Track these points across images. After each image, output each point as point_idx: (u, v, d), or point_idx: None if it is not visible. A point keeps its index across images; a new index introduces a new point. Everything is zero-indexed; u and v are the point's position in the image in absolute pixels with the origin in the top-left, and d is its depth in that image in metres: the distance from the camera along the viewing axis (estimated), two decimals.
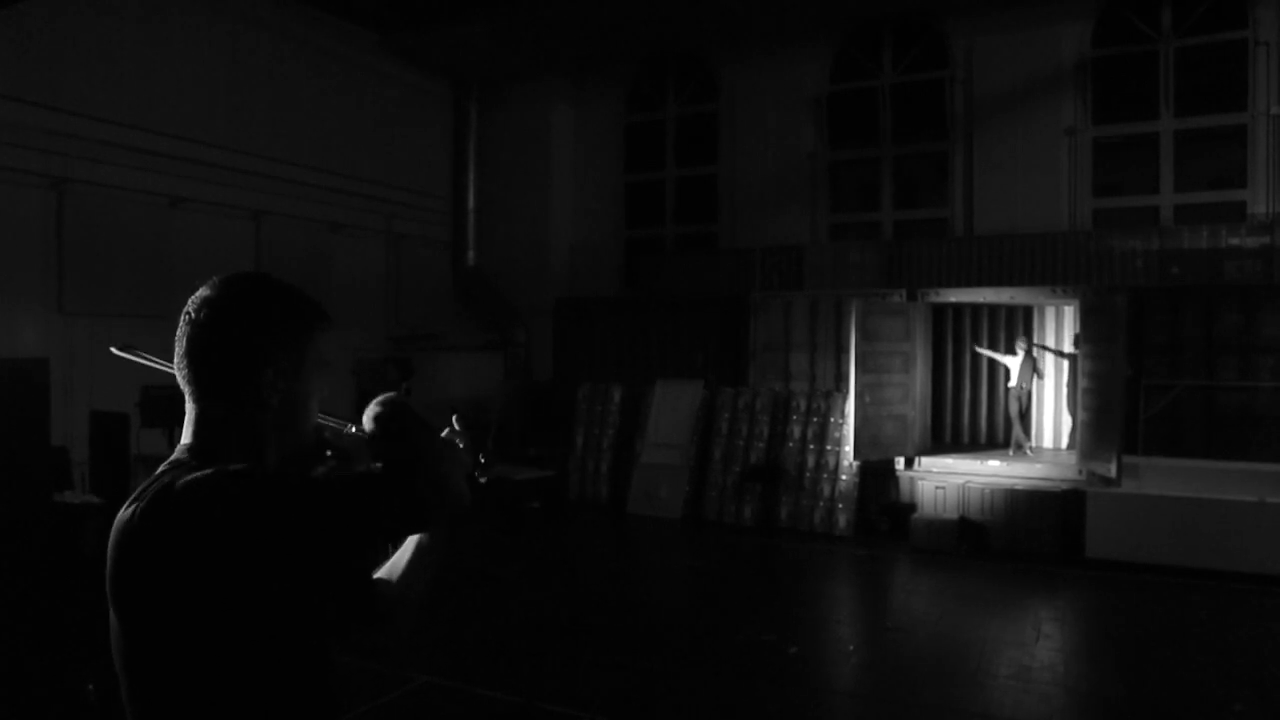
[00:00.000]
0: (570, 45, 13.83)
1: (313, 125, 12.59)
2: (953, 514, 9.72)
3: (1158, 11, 11.51)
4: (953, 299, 10.98)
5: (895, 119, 12.81)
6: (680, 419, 11.60)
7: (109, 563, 1.31)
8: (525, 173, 15.03)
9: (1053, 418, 11.56)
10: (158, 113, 10.48)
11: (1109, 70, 11.74)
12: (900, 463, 10.37)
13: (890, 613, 7.91)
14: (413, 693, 5.54)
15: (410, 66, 14.25)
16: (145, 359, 1.54)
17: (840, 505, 10.40)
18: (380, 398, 1.47)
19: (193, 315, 1.40)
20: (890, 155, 13.12)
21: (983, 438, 11.76)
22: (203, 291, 1.42)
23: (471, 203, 15.23)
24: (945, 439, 11.65)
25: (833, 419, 10.63)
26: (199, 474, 1.27)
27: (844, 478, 10.45)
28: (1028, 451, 10.69)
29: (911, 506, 10.10)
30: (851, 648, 6.82)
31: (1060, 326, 11.47)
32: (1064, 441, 11.24)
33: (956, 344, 11.83)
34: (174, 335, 1.42)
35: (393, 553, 1.69)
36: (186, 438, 1.43)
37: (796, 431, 10.82)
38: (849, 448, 10.33)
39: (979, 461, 10.19)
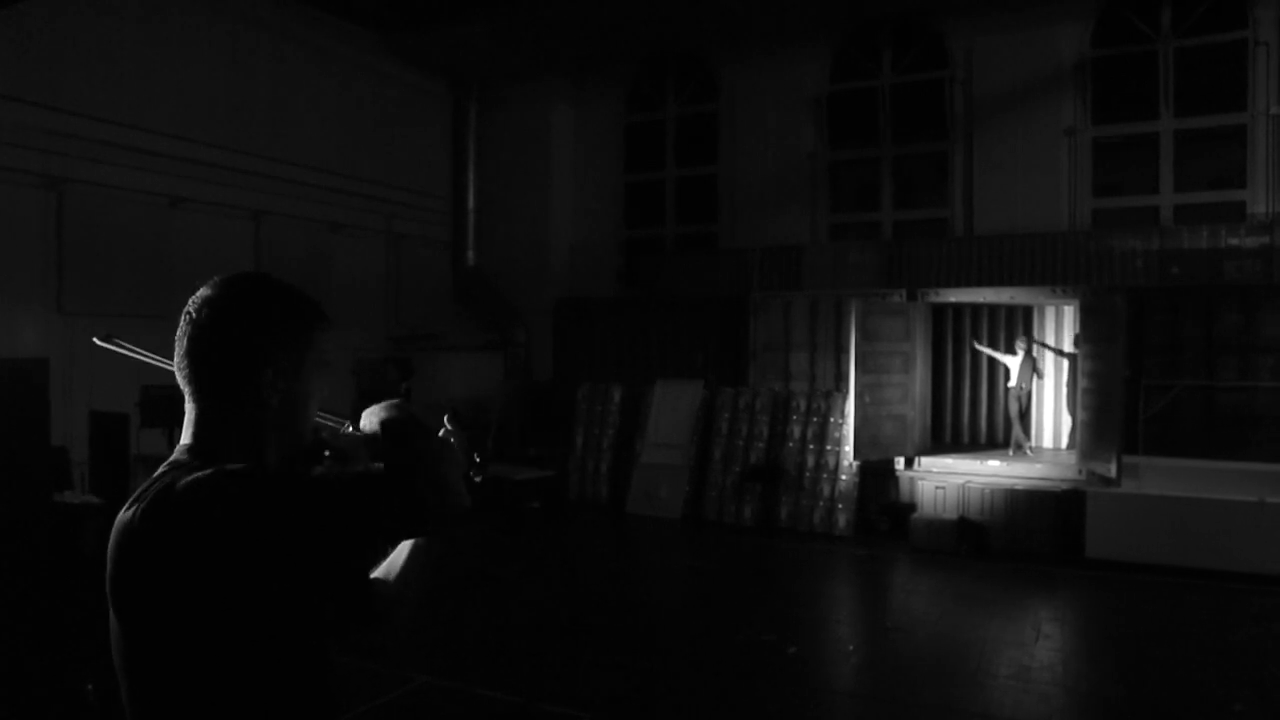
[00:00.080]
0: (570, 45, 13.82)
1: (312, 125, 12.59)
2: (952, 514, 9.72)
3: (1157, 11, 11.52)
4: (952, 299, 10.99)
5: (895, 119, 12.81)
6: (680, 419, 11.61)
7: (109, 564, 1.31)
8: (525, 173, 15.03)
9: (1052, 418, 11.56)
10: (157, 113, 10.48)
11: (1109, 70, 11.74)
12: (900, 463, 10.37)
13: (890, 613, 7.91)
14: (412, 693, 5.54)
15: (410, 66, 14.25)
16: (127, 349, 1.54)
17: (840, 505, 10.40)
18: (387, 403, 1.47)
19: (193, 315, 1.40)
20: (890, 155, 13.12)
21: (982, 438, 11.77)
22: (203, 291, 1.42)
23: (471, 203, 15.23)
24: (945, 439, 11.65)
25: (832, 419, 10.63)
26: (199, 474, 1.27)
27: (844, 478, 10.45)
28: (1027, 451, 10.69)
29: (911, 506, 10.10)
30: (851, 648, 6.82)
31: (1060, 326, 11.47)
32: (1064, 441, 11.24)
33: (956, 344, 11.84)
34: (174, 335, 1.42)
35: (390, 552, 1.69)
36: (186, 438, 1.43)
37: (796, 431, 10.83)
38: (849, 448, 10.34)
39: (979, 461, 10.20)
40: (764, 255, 12.78)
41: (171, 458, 1.40)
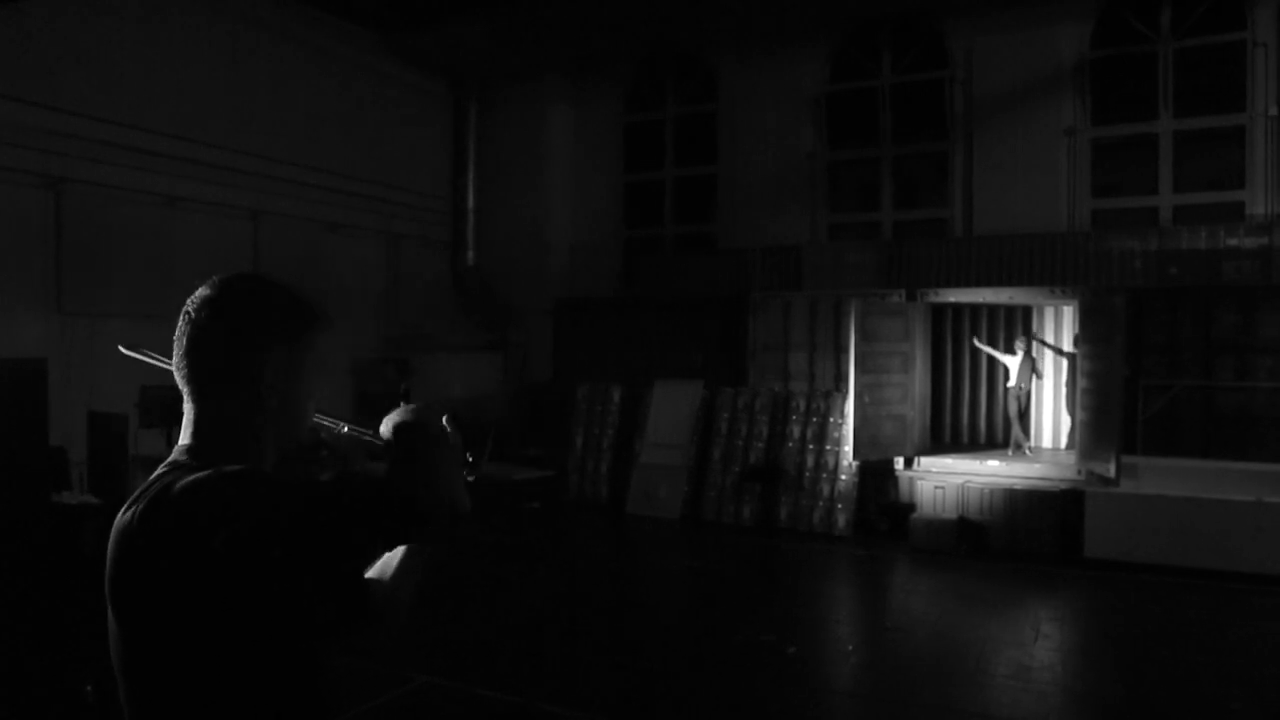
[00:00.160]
0: (569, 45, 13.82)
1: (311, 125, 12.59)
2: (952, 514, 9.72)
3: (1157, 12, 11.53)
4: (952, 299, 10.99)
5: (895, 119, 12.82)
6: (679, 419, 11.60)
7: (108, 564, 1.31)
8: (524, 173, 15.03)
9: (1052, 418, 11.56)
10: (156, 113, 10.47)
11: (1108, 71, 11.76)
12: (899, 463, 10.37)
13: (889, 613, 7.91)
14: (411, 693, 5.54)
15: (409, 66, 14.24)
16: (154, 359, 1.54)
17: (839, 505, 10.40)
18: (405, 408, 1.46)
19: (192, 315, 1.40)
20: (890, 155, 13.13)
21: (982, 438, 11.76)
22: (202, 291, 1.42)
23: (470, 203, 15.23)
24: (944, 439, 11.65)
25: (832, 419, 10.63)
26: (198, 476, 1.27)
27: (843, 478, 10.45)
28: (1027, 451, 10.69)
29: (911, 506, 10.10)
30: (851, 648, 6.82)
31: (1059, 327, 11.47)
32: (1063, 441, 11.24)
33: (956, 344, 11.83)
34: (173, 335, 1.42)
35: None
36: (185, 438, 1.43)
37: (796, 431, 10.83)
38: (848, 448, 10.34)
39: (978, 461, 10.20)
40: (763, 255, 12.79)
41: (170, 458, 1.40)
